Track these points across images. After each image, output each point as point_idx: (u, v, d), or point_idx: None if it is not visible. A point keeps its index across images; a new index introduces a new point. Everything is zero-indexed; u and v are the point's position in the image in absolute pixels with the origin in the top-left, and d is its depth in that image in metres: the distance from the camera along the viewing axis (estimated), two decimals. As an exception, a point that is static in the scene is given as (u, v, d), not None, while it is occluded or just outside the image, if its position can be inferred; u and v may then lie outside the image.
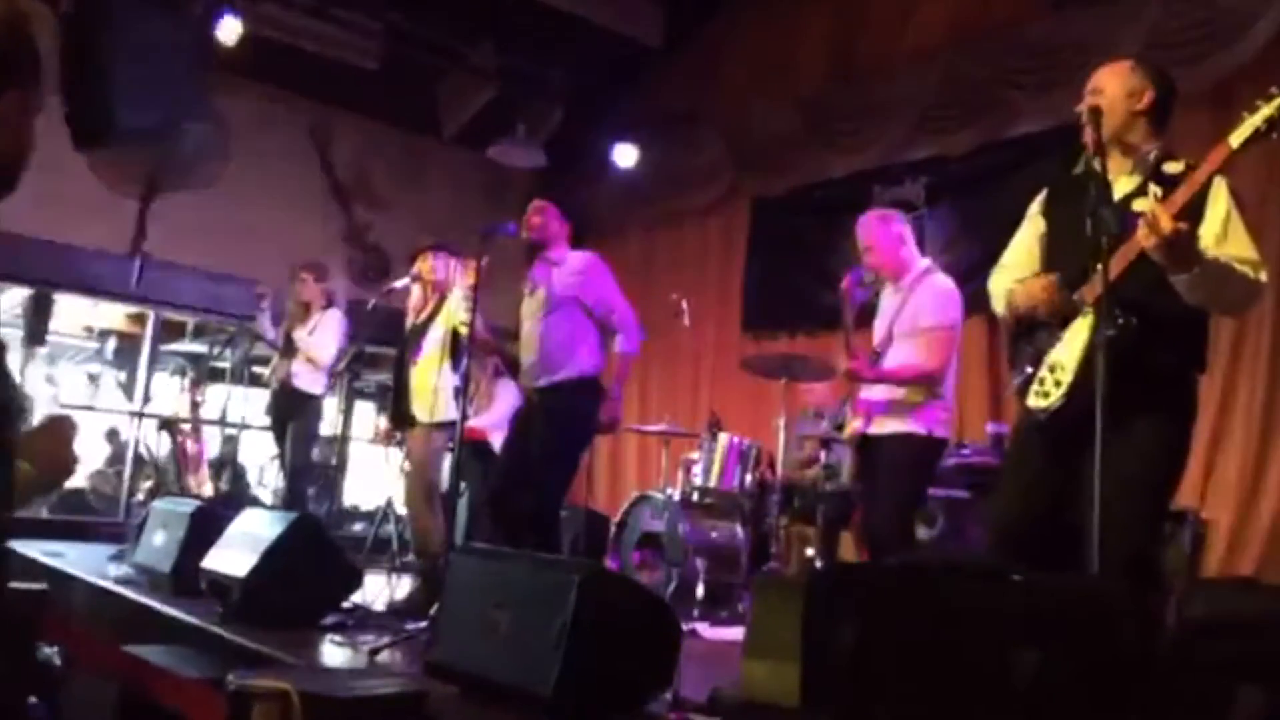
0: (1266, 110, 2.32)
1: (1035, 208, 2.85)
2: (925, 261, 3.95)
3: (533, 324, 4.16)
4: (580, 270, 4.13)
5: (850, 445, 4.41)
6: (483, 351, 4.39)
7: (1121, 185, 2.56)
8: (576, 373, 4.03)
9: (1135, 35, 5.09)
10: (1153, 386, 2.44)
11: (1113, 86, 2.61)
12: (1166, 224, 2.28)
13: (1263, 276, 2.46)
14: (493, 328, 4.57)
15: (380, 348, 6.68)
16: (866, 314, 4.06)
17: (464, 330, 4.20)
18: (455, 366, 4.49)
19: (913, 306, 3.79)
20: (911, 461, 3.78)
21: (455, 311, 4.53)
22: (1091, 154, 2.52)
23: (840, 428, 5.26)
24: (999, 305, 2.83)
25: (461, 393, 4.03)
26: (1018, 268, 2.82)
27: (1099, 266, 2.43)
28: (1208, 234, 2.42)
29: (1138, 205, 2.49)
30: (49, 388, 6.88)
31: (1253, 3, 4.78)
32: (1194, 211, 2.41)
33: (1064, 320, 2.57)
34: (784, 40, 7.35)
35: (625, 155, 7.77)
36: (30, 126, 1.35)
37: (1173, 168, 2.54)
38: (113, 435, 8.31)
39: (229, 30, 6.18)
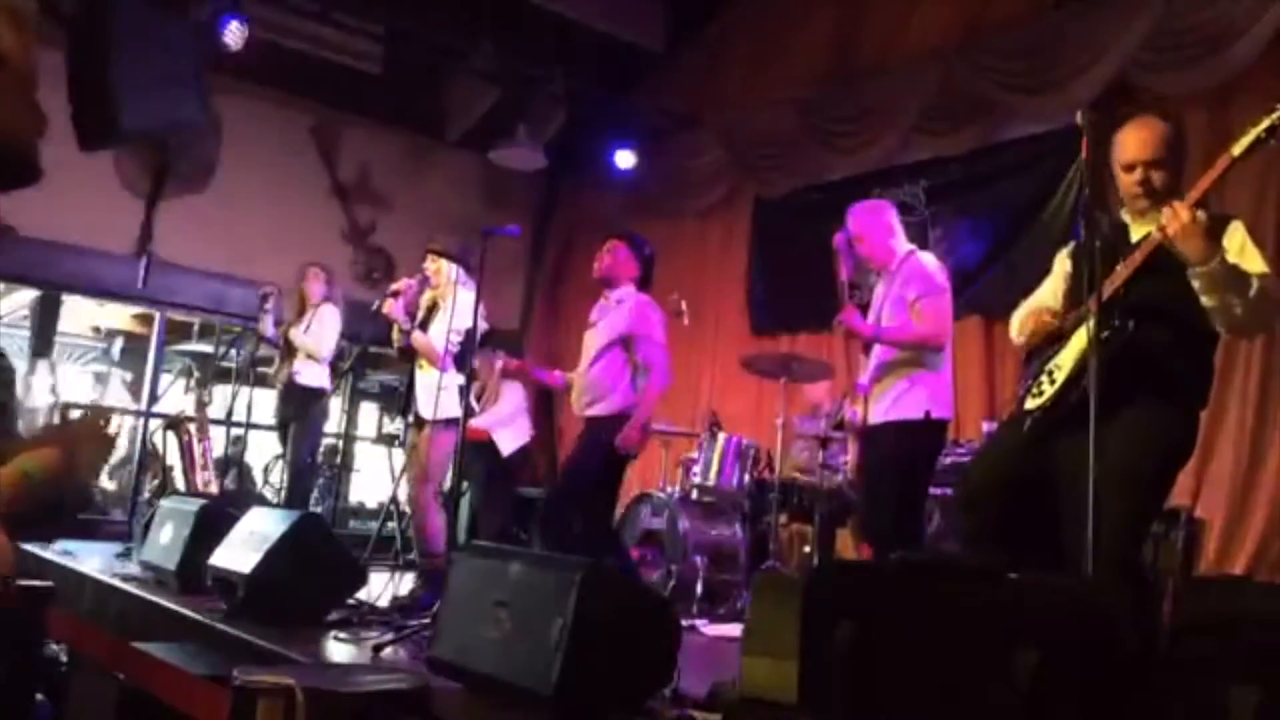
0: (1267, 121, 2.43)
1: (1064, 251, 2.96)
2: (909, 246, 4.03)
3: (588, 357, 4.39)
4: (630, 308, 4.34)
5: (850, 434, 4.39)
6: (515, 378, 4.64)
7: (1139, 230, 2.67)
8: (616, 409, 4.27)
9: (1134, 38, 5.11)
10: (1150, 389, 2.50)
11: (1161, 144, 2.63)
12: (1185, 211, 2.41)
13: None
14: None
15: (384, 348, 6.71)
16: (860, 311, 4.07)
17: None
18: (459, 366, 4.52)
19: (899, 286, 3.87)
20: (910, 453, 3.75)
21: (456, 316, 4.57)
22: (1086, 161, 2.57)
23: (840, 425, 5.29)
24: (1019, 335, 2.92)
25: (464, 392, 4.08)
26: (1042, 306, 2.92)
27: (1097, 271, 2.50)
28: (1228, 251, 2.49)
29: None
30: (50, 395, 6.90)
31: (1252, 4, 4.77)
32: (1211, 228, 2.48)
33: (1072, 331, 2.67)
34: (784, 43, 7.37)
35: (626, 158, 7.80)
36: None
37: None
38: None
39: (234, 34, 6.22)
